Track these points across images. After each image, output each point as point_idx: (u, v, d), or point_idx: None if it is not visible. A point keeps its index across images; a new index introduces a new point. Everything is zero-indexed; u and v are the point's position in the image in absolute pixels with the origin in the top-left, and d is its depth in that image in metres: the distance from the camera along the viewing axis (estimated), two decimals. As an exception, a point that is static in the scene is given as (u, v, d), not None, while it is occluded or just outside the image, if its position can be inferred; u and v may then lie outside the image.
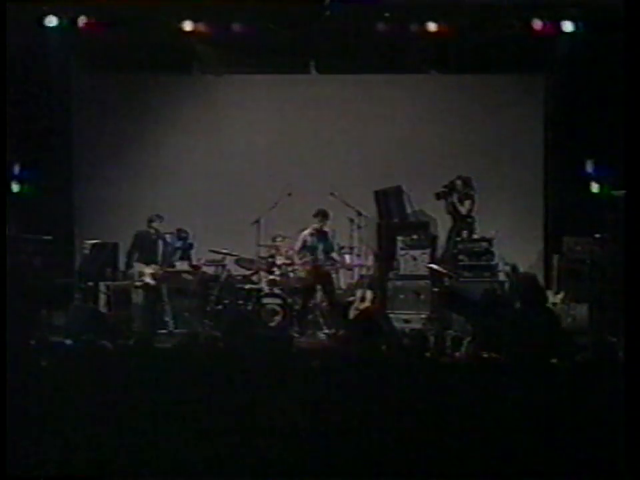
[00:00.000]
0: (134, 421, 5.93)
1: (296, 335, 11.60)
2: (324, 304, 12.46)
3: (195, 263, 12.79)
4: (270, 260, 12.49)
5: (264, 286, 12.35)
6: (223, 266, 12.63)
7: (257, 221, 12.49)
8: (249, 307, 12.01)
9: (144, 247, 12.12)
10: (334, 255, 12.51)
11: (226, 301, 12.25)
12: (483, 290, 11.46)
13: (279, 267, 12.41)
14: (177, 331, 11.76)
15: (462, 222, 13.09)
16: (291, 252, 12.51)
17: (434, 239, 13.41)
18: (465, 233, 12.96)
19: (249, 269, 12.79)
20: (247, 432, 5.90)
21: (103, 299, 12.34)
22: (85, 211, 13.84)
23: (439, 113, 14.02)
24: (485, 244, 12.74)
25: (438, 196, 13.26)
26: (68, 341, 8.65)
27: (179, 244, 12.78)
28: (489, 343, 8.08)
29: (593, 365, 6.84)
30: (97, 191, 13.77)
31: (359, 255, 12.81)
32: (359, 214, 12.79)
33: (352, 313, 11.84)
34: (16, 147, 11.80)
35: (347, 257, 12.83)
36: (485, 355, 7.34)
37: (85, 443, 5.87)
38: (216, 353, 7.06)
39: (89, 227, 13.49)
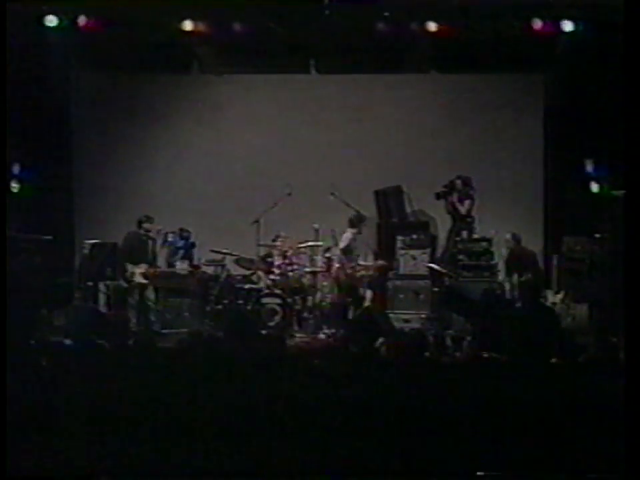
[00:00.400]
0: (134, 421, 5.93)
1: (296, 334, 11.62)
2: (324, 304, 12.46)
3: (195, 262, 12.79)
4: (269, 260, 12.49)
5: (263, 286, 12.37)
6: (223, 266, 12.63)
7: (257, 221, 12.49)
8: (249, 307, 12.00)
9: (134, 248, 12.11)
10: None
11: (225, 301, 12.25)
12: (483, 290, 11.46)
13: (279, 266, 12.40)
14: (165, 331, 11.74)
15: (462, 222, 13.09)
16: (290, 252, 12.50)
17: (434, 239, 13.41)
18: (464, 233, 12.95)
19: (249, 269, 12.79)
20: (246, 432, 5.89)
21: (102, 298, 12.35)
22: (84, 211, 13.84)
23: (439, 113, 14.02)
24: (484, 244, 12.75)
25: (438, 196, 13.25)
26: (68, 341, 8.64)
27: (180, 243, 12.79)
28: (489, 343, 8.08)
29: (592, 365, 6.85)
30: (97, 191, 13.77)
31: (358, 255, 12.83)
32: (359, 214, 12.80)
33: (352, 313, 11.84)
34: (16, 147, 11.80)
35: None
36: (485, 355, 7.33)
37: (84, 442, 5.87)
38: (215, 353, 7.05)
39: (88, 226, 13.48)
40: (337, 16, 12.33)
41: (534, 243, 13.58)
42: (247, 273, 12.80)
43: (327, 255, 12.59)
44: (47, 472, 5.79)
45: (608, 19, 11.35)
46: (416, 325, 11.73)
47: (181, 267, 12.69)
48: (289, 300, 12.06)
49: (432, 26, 12.67)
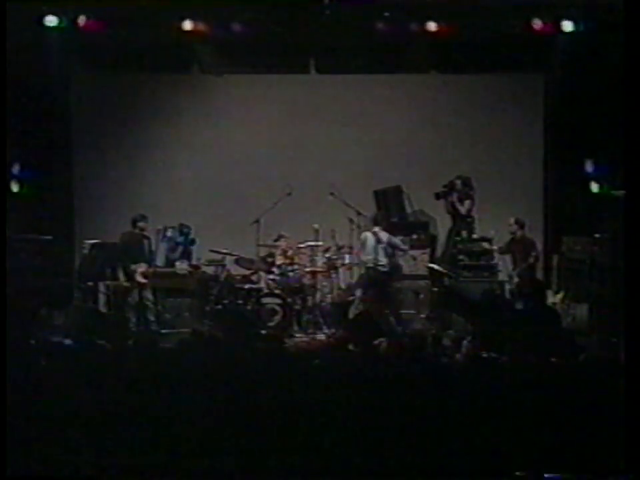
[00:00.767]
0: (134, 421, 5.93)
1: (296, 334, 11.63)
2: (324, 304, 12.47)
3: (195, 262, 12.79)
4: (269, 260, 12.50)
5: (263, 286, 12.38)
6: (223, 266, 12.63)
7: (257, 221, 12.50)
8: (249, 307, 12.00)
9: (131, 248, 12.12)
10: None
11: (226, 301, 12.25)
12: (483, 290, 11.47)
13: (279, 266, 12.41)
14: (164, 331, 11.74)
15: (462, 222, 13.09)
16: (290, 252, 12.51)
17: (434, 239, 13.42)
18: (464, 233, 12.96)
19: (249, 269, 12.79)
20: (246, 432, 5.90)
21: (102, 298, 12.36)
22: (84, 211, 13.84)
23: (439, 113, 14.02)
24: (484, 244, 12.75)
25: (438, 196, 13.25)
26: (68, 341, 8.64)
27: (180, 239, 12.79)
28: (489, 343, 8.07)
29: (592, 365, 6.84)
30: (97, 191, 13.78)
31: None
32: (359, 214, 12.81)
33: (351, 313, 11.85)
34: (16, 147, 11.80)
35: (347, 257, 12.83)
36: (485, 355, 7.33)
37: (84, 442, 5.87)
38: (215, 353, 7.05)
39: (88, 227, 13.48)
40: (336, 16, 12.34)
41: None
42: (247, 272, 12.80)
43: (327, 255, 12.60)
44: (47, 472, 5.79)
45: (608, 19, 11.35)
46: (416, 325, 11.73)
47: (181, 266, 12.68)
48: (289, 300, 12.06)
49: (432, 26, 12.69)
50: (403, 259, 12.72)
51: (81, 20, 12.46)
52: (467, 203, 13.10)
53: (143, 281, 12.00)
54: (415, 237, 12.80)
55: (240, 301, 12.15)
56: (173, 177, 14.00)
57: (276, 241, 12.53)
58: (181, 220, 13.00)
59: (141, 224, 12.17)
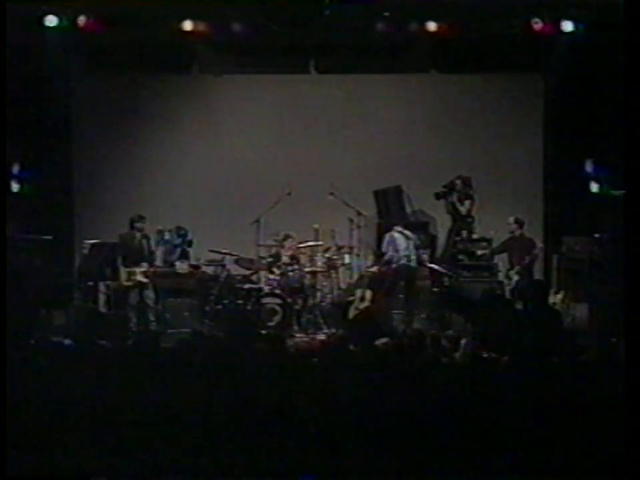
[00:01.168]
0: (134, 421, 5.93)
1: (296, 334, 11.63)
2: (324, 304, 12.47)
3: (194, 262, 12.79)
4: (271, 259, 12.50)
5: (264, 286, 12.38)
6: (223, 266, 12.63)
7: (257, 221, 12.50)
8: (249, 307, 12.00)
9: (130, 248, 12.12)
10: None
11: (226, 301, 12.25)
12: (483, 290, 11.47)
13: (286, 265, 12.40)
14: (164, 331, 11.72)
15: (462, 222, 13.09)
16: (291, 252, 12.51)
17: (434, 239, 13.41)
18: (464, 233, 12.96)
19: (249, 269, 12.79)
20: (246, 432, 5.90)
21: (102, 298, 12.36)
22: (84, 211, 13.83)
23: (439, 113, 14.02)
24: (484, 244, 12.75)
25: (438, 196, 13.26)
26: (68, 341, 8.64)
27: (178, 241, 12.78)
28: (489, 343, 8.08)
29: (592, 365, 6.85)
30: (97, 191, 13.77)
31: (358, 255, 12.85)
32: (359, 214, 12.81)
33: (351, 313, 11.85)
34: (16, 147, 11.80)
35: (347, 257, 12.83)
36: (485, 355, 7.33)
37: (84, 442, 5.87)
38: (215, 353, 7.05)
39: (88, 226, 13.48)
40: (336, 16, 12.33)
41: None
42: (247, 272, 12.80)
43: (327, 255, 12.61)
44: (47, 472, 5.79)
45: (608, 19, 11.36)
46: (416, 325, 11.73)
47: (181, 266, 12.68)
48: (289, 300, 12.07)
49: (432, 26, 12.68)
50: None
51: (81, 20, 12.44)
52: (467, 203, 13.10)
53: (144, 280, 12.01)
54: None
55: (240, 301, 12.15)
56: (173, 177, 13.98)
57: (283, 240, 12.52)
58: (181, 220, 13.00)
59: (138, 224, 12.17)
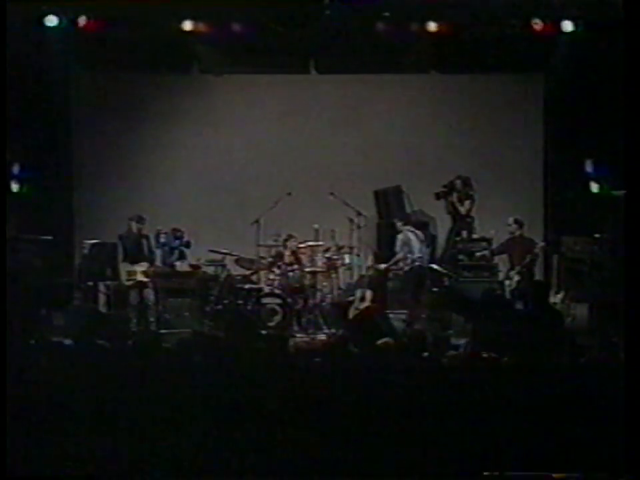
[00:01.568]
0: (134, 421, 5.93)
1: (296, 334, 11.63)
2: (324, 304, 12.47)
3: (194, 262, 12.79)
4: (271, 259, 12.50)
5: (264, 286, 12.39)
6: (223, 266, 12.63)
7: (257, 221, 12.51)
8: (249, 307, 12.01)
9: (129, 247, 12.14)
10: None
11: (226, 301, 12.25)
12: (483, 290, 11.46)
13: (286, 265, 12.40)
14: (164, 331, 11.71)
15: (461, 222, 13.09)
16: (290, 252, 12.50)
17: (434, 239, 13.41)
18: (464, 233, 12.96)
19: (249, 269, 12.79)
20: (246, 432, 5.90)
21: (102, 298, 12.36)
22: (84, 211, 13.84)
23: (439, 113, 14.02)
24: (484, 244, 12.75)
25: (438, 196, 13.26)
26: (68, 341, 8.64)
27: (176, 243, 12.79)
28: (489, 343, 8.08)
29: (592, 365, 6.85)
30: (97, 191, 13.78)
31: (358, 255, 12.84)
32: (359, 214, 12.81)
33: (351, 313, 11.85)
34: (16, 146, 11.80)
35: (347, 257, 12.83)
36: (485, 355, 7.32)
37: (84, 443, 5.87)
38: (215, 353, 7.05)
39: (89, 226, 13.48)
40: (337, 16, 12.33)
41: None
42: (247, 272, 12.80)
43: (327, 255, 12.61)
44: (47, 472, 5.79)
45: (608, 19, 11.36)
46: (416, 325, 11.72)
47: (181, 266, 12.68)
48: (289, 300, 12.07)
49: (432, 26, 12.69)
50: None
51: (81, 20, 12.45)
52: (467, 203, 13.10)
53: (144, 280, 12.02)
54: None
55: (240, 301, 12.15)
56: (173, 177, 13.99)
57: (286, 240, 12.52)
58: (181, 219, 13.01)
59: (138, 225, 12.19)
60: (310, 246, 12.65)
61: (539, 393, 6.04)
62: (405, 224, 12.53)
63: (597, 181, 12.79)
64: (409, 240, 12.24)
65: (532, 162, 13.93)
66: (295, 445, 5.83)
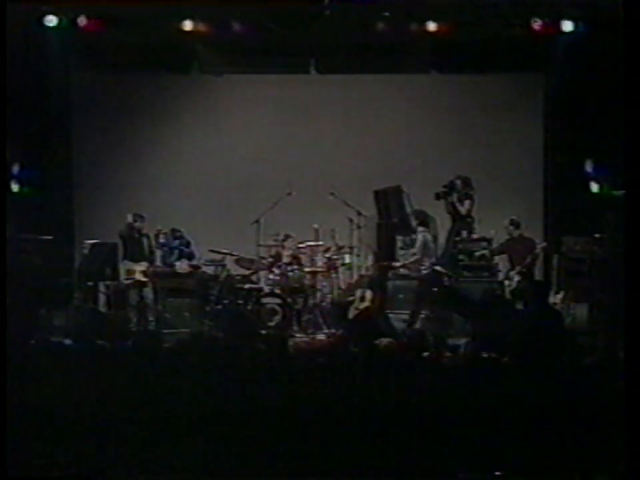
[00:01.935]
0: (134, 421, 5.93)
1: (296, 334, 11.63)
2: (324, 304, 12.47)
3: (194, 262, 12.79)
4: (271, 259, 12.50)
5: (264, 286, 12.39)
6: (223, 266, 12.63)
7: (257, 221, 12.51)
8: (249, 307, 12.00)
9: (129, 246, 12.14)
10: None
11: (226, 301, 12.25)
12: (483, 290, 11.46)
13: (286, 265, 12.39)
14: (164, 331, 11.71)
15: (461, 222, 13.08)
16: (290, 252, 12.50)
17: (434, 239, 13.40)
18: (464, 233, 12.95)
19: (249, 269, 12.79)
20: (246, 432, 5.90)
21: (102, 299, 12.36)
22: (85, 211, 13.83)
23: (439, 113, 14.01)
24: (484, 244, 12.75)
25: (438, 196, 13.24)
26: (68, 341, 8.64)
27: (175, 243, 12.79)
28: (489, 343, 8.08)
29: (593, 365, 6.85)
30: (97, 191, 13.77)
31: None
32: (359, 214, 12.81)
33: (352, 313, 11.85)
34: (16, 147, 11.79)
35: (347, 257, 12.83)
36: (485, 355, 7.33)
37: (84, 443, 5.87)
38: (215, 353, 7.05)
39: (89, 226, 13.48)
40: (337, 16, 12.33)
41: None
42: (247, 272, 12.80)
43: (327, 255, 12.60)
44: (47, 472, 5.79)
45: (608, 19, 11.35)
46: (416, 325, 11.72)
47: (181, 266, 12.68)
48: (289, 300, 12.07)
49: (432, 26, 12.68)
50: (403, 259, 12.75)
51: (81, 20, 12.45)
52: (467, 202, 13.08)
53: (143, 279, 12.02)
54: (414, 236, 12.80)
55: (240, 301, 12.15)
56: (173, 177, 13.99)
57: (283, 241, 12.51)
58: (181, 219, 13.01)
59: (137, 224, 12.19)
60: (310, 246, 12.65)
61: (539, 393, 6.04)
62: (420, 224, 12.50)
63: (597, 181, 12.78)
64: (428, 242, 12.24)
65: (532, 162, 13.92)
66: (295, 444, 5.83)
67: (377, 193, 13.70)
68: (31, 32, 12.40)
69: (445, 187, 13.19)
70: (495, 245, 12.75)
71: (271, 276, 12.42)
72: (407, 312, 12.07)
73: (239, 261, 12.74)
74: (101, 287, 12.33)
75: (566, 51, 12.92)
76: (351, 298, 12.19)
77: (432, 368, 6.81)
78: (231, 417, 5.95)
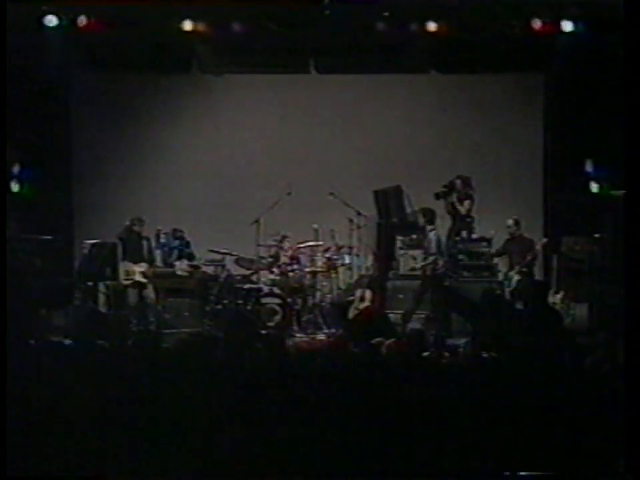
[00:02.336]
0: (134, 421, 5.93)
1: (296, 334, 11.64)
2: (324, 304, 12.47)
3: (194, 262, 12.79)
4: (271, 259, 12.50)
5: (263, 286, 12.39)
6: (223, 266, 12.63)
7: (257, 221, 12.51)
8: (249, 307, 12.01)
9: (128, 249, 12.15)
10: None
11: (226, 301, 12.25)
12: (483, 290, 11.46)
13: (286, 265, 12.40)
14: (164, 331, 11.71)
15: (461, 222, 13.08)
16: (290, 252, 12.50)
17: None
18: (464, 233, 12.95)
19: (249, 269, 12.79)
20: (246, 432, 5.90)
21: (102, 299, 12.36)
22: (84, 211, 13.84)
23: (439, 113, 14.02)
24: (484, 244, 12.75)
25: (438, 196, 13.24)
26: (68, 341, 8.64)
27: (175, 243, 12.79)
28: (489, 343, 8.08)
29: (592, 365, 6.85)
30: (97, 191, 13.78)
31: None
32: (359, 214, 12.82)
33: (351, 313, 11.85)
34: (16, 146, 11.80)
35: (347, 257, 12.83)
36: (485, 355, 7.33)
37: (84, 443, 5.87)
38: (215, 353, 7.05)
39: (89, 227, 13.48)
40: (337, 16, 12.34)
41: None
42: (247, 272, 12.80)
43: (327, 255, 12.60)
44: (47, 472, 5.79)
45: (608, 19, 11.36)
46: (416, 325, 11.72)
47: (181, 266, 12.69)
48: (289, 300, 12.07)
49: (432, 26, 12.69)
50: (402, 259, 12.75)
51: (81, 20, 12.45)
52: (467, 203, 13.08)
53: (143, 280, 12.03)
54: (414, 236, 12.79)
55: (240, 301, 12.15)
56: (173, 177, 13.99)
57: (280, 241, 12.52)
58: (180, 220, 13.01)
59: (136, 227, 12.21)
60: (310, 246, 12.65)
61: (539, 393, 6.04)
62: (429, 222, 12.49)
63: (597, 181, 12.79)
64: (440, 240, 12.24)
65: (532, 162, 13.94)
66: (295, 444, 5.83)
67: (376, 192, 13.70)
68: (31, 32, 12.39)
69: (444, 186, 13.19)
70: (495, 246, 12.74)
71: (271, 276, 12.42)
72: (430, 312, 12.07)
73: (238, 261, 12.75)
74: (101, 287, 12.33)
75: (566, 50, 12.92)
76: (351, 298, 12.19)
77: (432, 368, 6.81)
78: (231, 416, 5.95)
